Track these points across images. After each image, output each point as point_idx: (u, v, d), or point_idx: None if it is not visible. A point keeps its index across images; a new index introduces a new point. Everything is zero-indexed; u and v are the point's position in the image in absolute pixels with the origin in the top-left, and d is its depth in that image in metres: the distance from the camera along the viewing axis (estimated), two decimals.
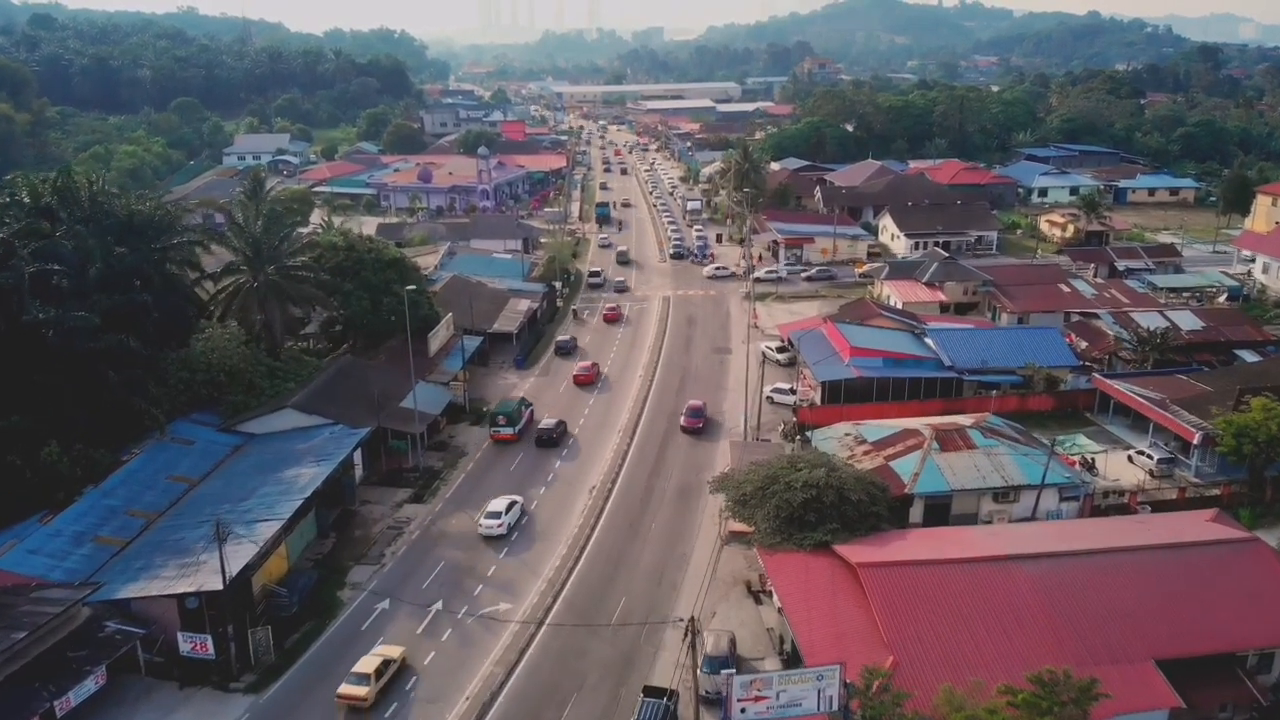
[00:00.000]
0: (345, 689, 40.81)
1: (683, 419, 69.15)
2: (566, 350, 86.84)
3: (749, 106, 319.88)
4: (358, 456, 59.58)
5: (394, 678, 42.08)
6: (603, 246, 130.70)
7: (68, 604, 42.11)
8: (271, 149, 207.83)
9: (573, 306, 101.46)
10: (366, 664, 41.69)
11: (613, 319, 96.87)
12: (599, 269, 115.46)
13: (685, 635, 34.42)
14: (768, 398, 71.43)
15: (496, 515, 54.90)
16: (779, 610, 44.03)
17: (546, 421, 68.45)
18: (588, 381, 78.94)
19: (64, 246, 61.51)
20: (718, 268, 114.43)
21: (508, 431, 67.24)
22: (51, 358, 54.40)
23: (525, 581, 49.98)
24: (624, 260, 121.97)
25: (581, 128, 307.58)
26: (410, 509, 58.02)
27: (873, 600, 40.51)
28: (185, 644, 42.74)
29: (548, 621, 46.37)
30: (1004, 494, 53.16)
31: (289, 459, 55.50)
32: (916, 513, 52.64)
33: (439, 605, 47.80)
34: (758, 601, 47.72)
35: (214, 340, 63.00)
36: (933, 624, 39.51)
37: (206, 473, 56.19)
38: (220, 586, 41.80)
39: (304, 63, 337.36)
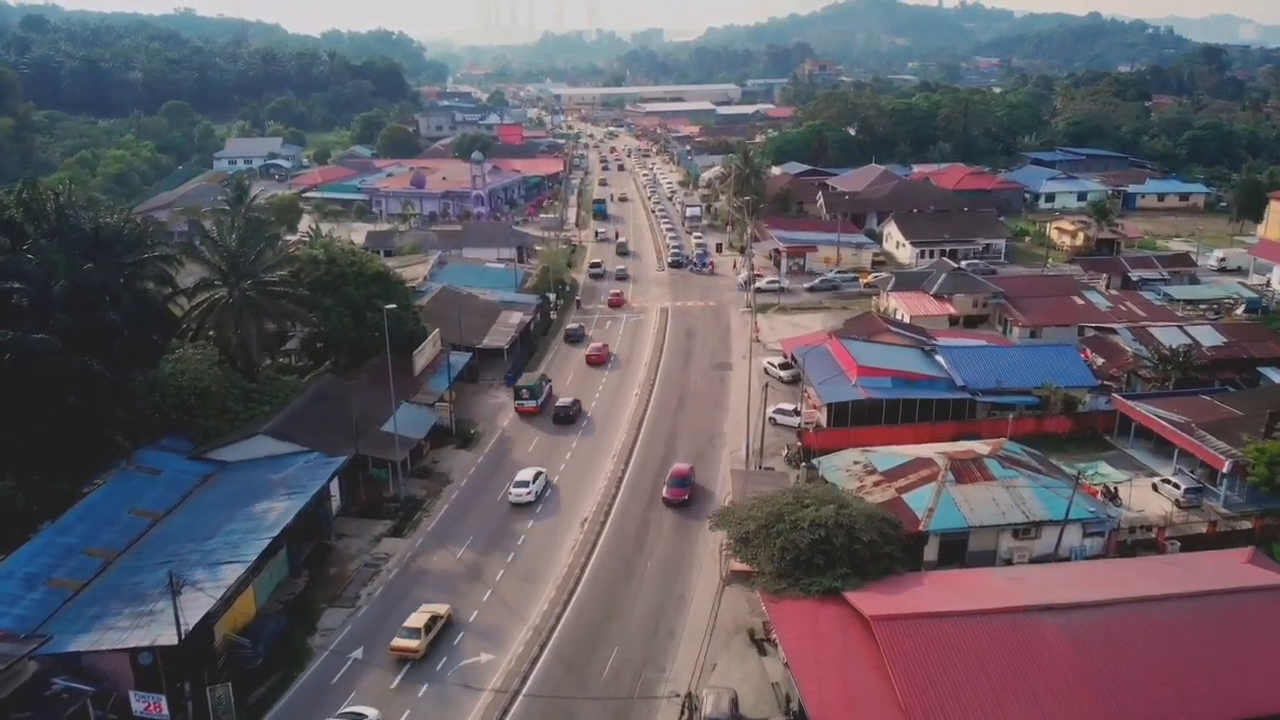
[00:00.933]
0: (398, 642, 43.86)
1: (665, 489, 58.66)
2: (576, 338, 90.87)
3: (749, 109, 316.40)
4: (334, 486, 56.08)
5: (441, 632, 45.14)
6: (601, 241, 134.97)
7: (12, 659, 38.57)
8: (263, 153, 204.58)
9: (576, 297, 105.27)
10: (416, 619, 44.86)
11: (616, 304, 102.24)
12: (599, 261, 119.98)
13: (682, 713, 30.83)
14: (770, 419, 67.72)
15: (525, 484, 58.68)
16: (785, 664, 40.46)
17: (563, 400, 72.25)
18: (599, 361, 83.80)
19: (28, 262, 58.17)
20: (754, 274, 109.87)
21: (530, 404, 72.11)
22: (9, 382, 51.07)
23: (510, 628, 46.30)
24: (623, 251, 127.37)
25: (572, 127, 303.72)
26: (389, 543, 54.37)
27: (888, 659, 36.96)
28: (138, 704, 39.22)
29: (531, 675, 42.81)
30: (1025, 530, 49.72)
31: (260, 491, 51.98)
32: (931, 550, 49.29)
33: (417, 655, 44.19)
34: (761, 652, 44.08)
35: (184, 361, 59.64)
36: (954, 686, 35.99)
37: (173, 505, 52.63)
38: (175, 641, 38.37)
39: (298, 65, 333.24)
